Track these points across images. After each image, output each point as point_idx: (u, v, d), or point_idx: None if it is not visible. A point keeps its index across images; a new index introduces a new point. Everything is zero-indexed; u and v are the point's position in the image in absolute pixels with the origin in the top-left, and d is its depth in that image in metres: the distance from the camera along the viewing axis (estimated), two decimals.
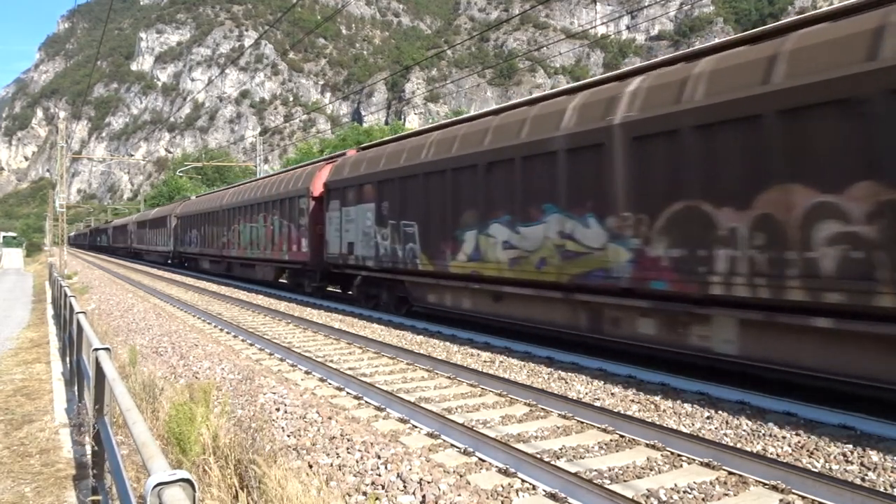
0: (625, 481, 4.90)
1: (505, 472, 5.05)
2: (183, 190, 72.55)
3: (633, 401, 7.15)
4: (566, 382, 8.07)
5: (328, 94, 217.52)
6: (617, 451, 5.60)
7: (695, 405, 6.85)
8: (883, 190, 5.85)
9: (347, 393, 7.90)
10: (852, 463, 5.19)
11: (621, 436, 5.93)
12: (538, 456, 5.25)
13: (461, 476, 4.96)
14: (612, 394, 7.48)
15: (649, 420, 6.36)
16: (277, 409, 6.71)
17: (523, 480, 4.88)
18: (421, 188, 12.82)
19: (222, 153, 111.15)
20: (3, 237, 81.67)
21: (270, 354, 10.68)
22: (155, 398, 6.49)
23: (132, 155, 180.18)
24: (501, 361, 9.44)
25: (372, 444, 5.52)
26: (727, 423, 6.28)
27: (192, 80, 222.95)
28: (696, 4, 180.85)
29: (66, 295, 9.74)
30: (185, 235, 35.07)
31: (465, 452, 5.54)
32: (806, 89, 6.44)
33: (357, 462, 5.13)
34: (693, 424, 6.28)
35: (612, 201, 8.52)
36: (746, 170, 6.96)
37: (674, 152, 7.72)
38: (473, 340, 11.21)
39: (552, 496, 4.59)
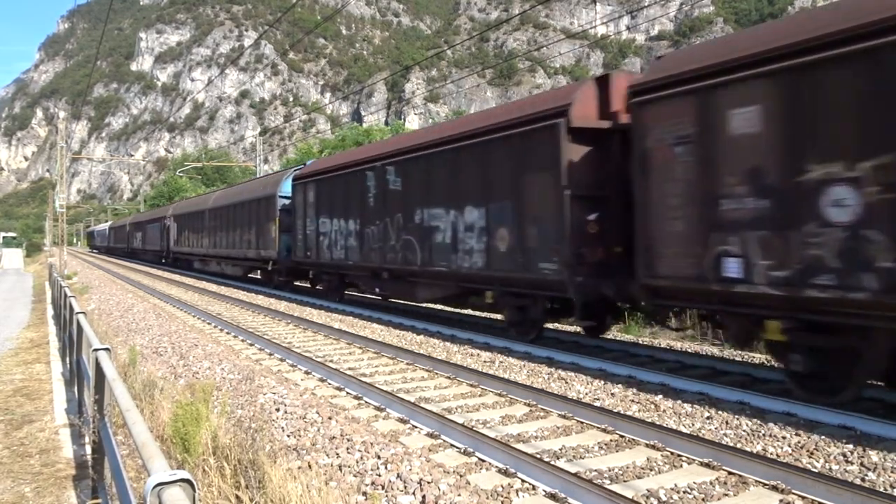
0: (625, 481, 4.89)
1: (505, 473, 5.05)
2: (182, 191, 72.50)
3: (633, 401, 7.15)
4: (566, 383, 8.07)
5: (328, 95, 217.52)
6: (617, 451, 5.60)
7: (695, 405, 6.85)
8: None
9: (347, 393, 7.90)
10: (852, 463, 5.19)
11: (621, 436, 5.93)
12: (538, 456, 5.25)
13: (461, 476, 4.96)
14: (612, 394, 7.47)
15: (649, 420, 6.35)
16: (277, 410, 6.71)
17: (523, 480, 4.88)
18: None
19: (222, 153, 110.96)
20: (3, 237, 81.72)
21: (270, 354, 10.68)
22: (154, 398, 6.49)
23: (132, 155, 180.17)
24: (501, 361, 9.44)
25: (372, 444, 5.52)
26: (727, 423, 6.28)
27: (192, 80, 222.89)
28: (696, 4, 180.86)
29: (65, 295, 9.75)
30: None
31: (465, 452, 5.54)
32: None
33: (357, 462, 5.13)
34: (693, 424, 6.28)
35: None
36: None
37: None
38: (473, 340, 11.21)
39: (552, 496, 4.59)
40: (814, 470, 5.00)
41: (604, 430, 6.09)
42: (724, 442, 5.71)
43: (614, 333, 11.83)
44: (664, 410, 6.76)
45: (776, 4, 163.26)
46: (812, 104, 6.32)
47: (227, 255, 26.58)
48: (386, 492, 4.56)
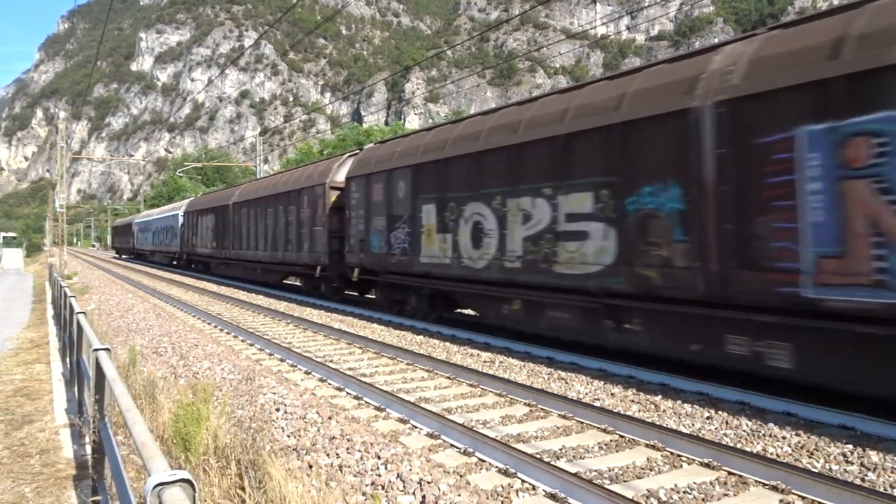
0: (625, 481, 4.90)
1: (505, 473, 5.05)
2: (183, 190, 72.51)
3: (633, 401, 7.16)
4: (566, 383, 8.07)
5: (328, 95, 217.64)
6: (617, 452, 5.60)
7: (695, 405, 6.85)
8: None
9: (347, 393, 7.90)
10: (852, 463, 5.19)
11: (621, 436, 5.93)
12: (538, 456, 5.25)
13: (461, 476, 4.96)
14: (612, 394, 7.48)
15: (649, 420, 6.36)
16: (277, 410, 6.71)
17: (523, 481, 4.88)
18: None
19: (222, 153, 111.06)
20: (3, 237, 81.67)
21: (270, 355, 10.68)
22: (155, 398, 6.49)
23: (132, 155, 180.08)
24: (501, 361, 9.44)
25: (372, 444, 5.52)
26: (727, 423, 6.28)
27: (192, 80, 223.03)
28: (696, 4, 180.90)
29: (66, 295, 9.75)
30: None
31: (465, 452, 5.54)
32: None
33: (357, 462, 5.13)
34: (693, 424, 6.28)
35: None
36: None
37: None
38: (473, 340, 11.22)
39: (552, 496, 4.59)
40: (814, 470, 5.01)
41: (604, 430, 6.09)
42: (724, 442, 5.71)
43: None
44: (664, 410, 6.76)
45: (776, 4, 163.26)
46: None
47: None
48: (386, 492, 4.56)
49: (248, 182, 29.81)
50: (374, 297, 17.71)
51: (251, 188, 25.19)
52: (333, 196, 17.21)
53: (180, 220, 35.32)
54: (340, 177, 17.12)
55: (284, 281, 23.72)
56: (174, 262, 38.84)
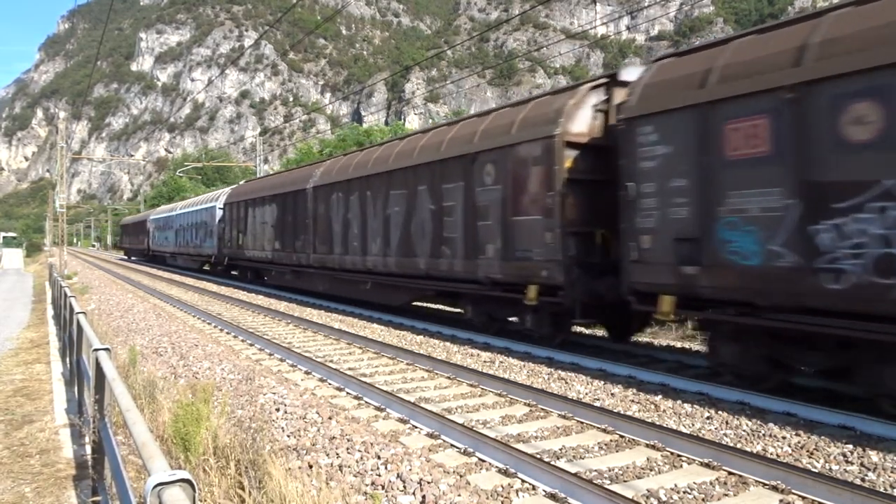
0: (625, 481, 4.90)
1: (505, 473, 5.05)
2: (183, 190, 72.50)
3: (633, 401, 7.16)
4: (566, 383, 8.07)
5: (328, 95, 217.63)
6: (617, 452, 5.60)
7: (695, 405, 6.85)
8: None
9: (347, 393, 7.90)
10: (852, 463, 5.19)
11: (621, 436, 5.93)
12: (538, 456, 5.25)
13: (461, 476, 4.96)
14: (612, 394, 7.48)
15: (649, 420, 6.36)
16: (277, 410, 6.71)
17: (523, 481, 4.88)
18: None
19: (222, 153, 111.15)
20: (3, 237, 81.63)
21: (270, 355, 10.68)
22: (154, 398, 6.48)
23: (132, 155, 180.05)
24: (501, 361, 9.44)
25: (372, 444, 5.52)
26: (727, 423, 6.28)
27: (192, 80, 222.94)
28: (696, 5, 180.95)
29: (66, 295, 9.75)
30: None
31: (465, 453, 5.54)
32: None
33: (357, 462, 5.13)
34: (693, 425, 6.28)
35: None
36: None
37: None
38: (473, 340, 11.22)
39: (552, 496, 4.59)
40: (814, 470, 5.01)
41: (604, 430, 6.09)
42: (724, 442, 5.71)
43: None
44: (664, 410, 6.76)
45: (776, 4, 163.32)
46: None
47: None
48: (386, 492, 4.56)
49: (335, 157, 21.42)
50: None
51: (348, 163, 17.27)
52: (569, 160, 9.65)
53: (218, 213, 28.03)
54: (581, 125, 9.77)
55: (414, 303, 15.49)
56: (206, 268, 31.96)
